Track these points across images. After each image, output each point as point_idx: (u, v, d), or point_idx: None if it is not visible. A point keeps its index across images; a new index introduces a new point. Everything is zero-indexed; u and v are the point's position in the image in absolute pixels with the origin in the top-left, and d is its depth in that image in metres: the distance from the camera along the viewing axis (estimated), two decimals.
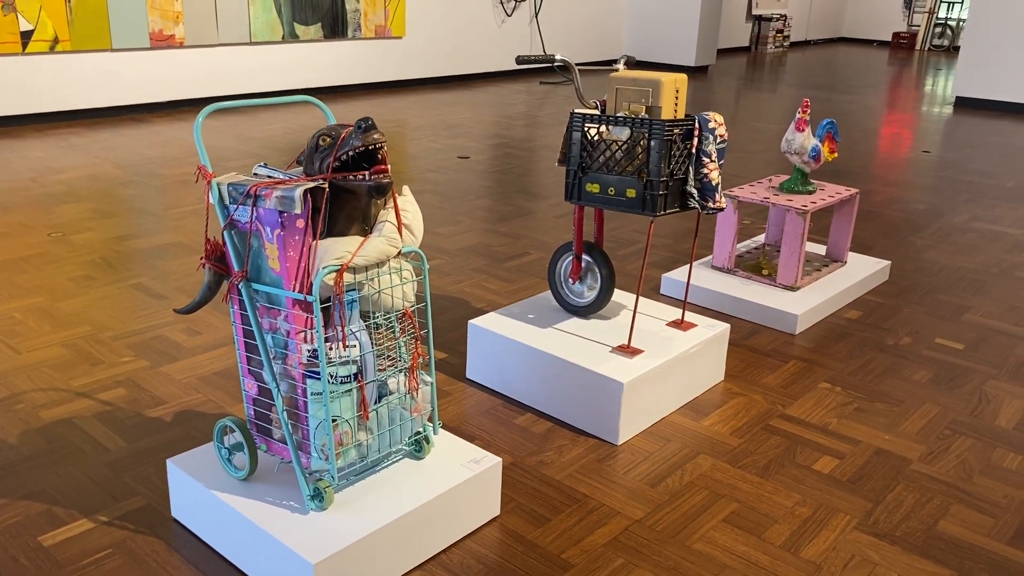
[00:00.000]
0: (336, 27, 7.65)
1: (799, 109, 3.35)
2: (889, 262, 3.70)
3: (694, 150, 2.40)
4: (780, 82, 9.99)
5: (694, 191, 2.41)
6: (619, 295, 2.91)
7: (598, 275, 2.65)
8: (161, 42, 6.55)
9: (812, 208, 3.24)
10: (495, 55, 9.19)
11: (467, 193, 4.81)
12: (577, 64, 10.27)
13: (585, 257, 2.67)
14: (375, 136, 1.67)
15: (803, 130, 3.35)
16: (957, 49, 14.57)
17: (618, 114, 2.45)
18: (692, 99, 8.45)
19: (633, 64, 2.57)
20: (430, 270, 3.61)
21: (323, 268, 1.67)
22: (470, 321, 2.67)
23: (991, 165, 6.07)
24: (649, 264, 3.78)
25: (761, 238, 3.90)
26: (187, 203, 4.43)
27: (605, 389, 2.35)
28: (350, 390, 1.76)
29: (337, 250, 1.69)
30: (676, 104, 2.45)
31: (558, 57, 2.46)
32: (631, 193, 2.39)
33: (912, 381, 2.81)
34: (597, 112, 2.54)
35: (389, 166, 1.73)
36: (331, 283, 1.68)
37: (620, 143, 2.38)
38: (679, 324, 2.69)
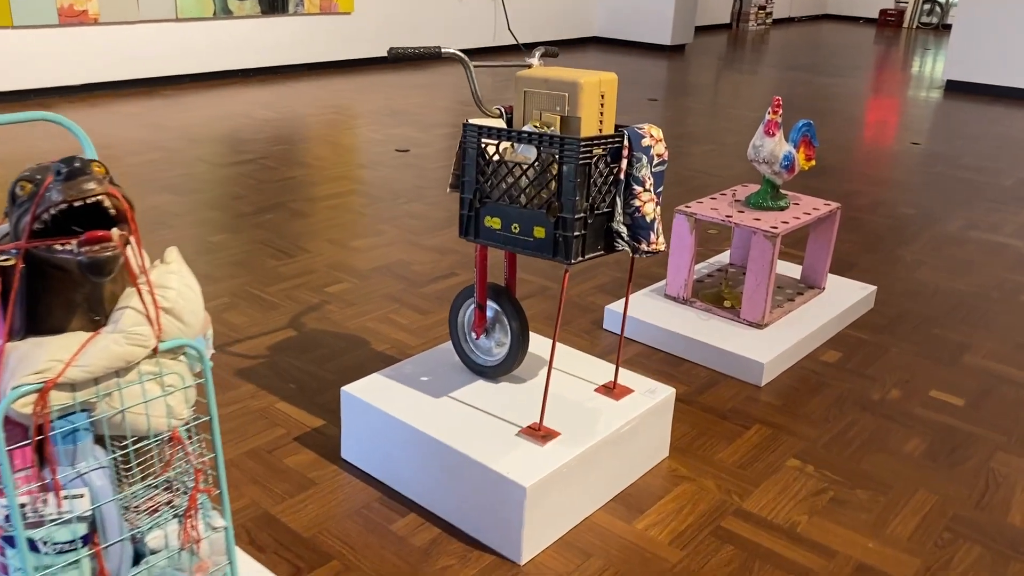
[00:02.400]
0: (275, 1, 6.98)
1: (769, 109, 2.77)
2: (875, 288, 3.14)
3: (622, 175, 1.82)
4: (761, 63, 9.40)
5: (622, 229, 1.83)
6: (543, 344, 2.35)
7: (508, 328, 2.08)
8: (72, 18, 5.88)
9: (783, 230, 2.68)
10: (453, 33, 8.54)
11: (398, 196, 4.21)
12: (530, 44, 9.65)
13: (492, 305, 2.10)
14: (86, 186, 1.09)
15: (773, 135, 2.77)
16: (947, 27, 14.00)
17: (524, 127, 1.87)
18: (667, 82, 7.85)
19: (555, 56, 1.95)
20: (328, 303, 3.03)
21: (13, 389, 1.09)
22: (344, 388, 2.10)
23: (986, 159, 5.52)
24: (592, 289, 3.21)
25: (724, 257, 3.33)
26: None
27: (504, 493, 1.79)
28: (76, 561, 1.18)
29: (39, 358, 1.11)
30: (602, 114, 1.87)
31: (447, 50, 1.86)
32: (539, 232, 1.81)
33: (902, 455, 2.26)
34: (499, 123, 1.95)
35: (129, 227, 1.14)
36: (26, 410, 1.10)
37: (526, 166, 1.80)
38: (611, 390, 2.12)
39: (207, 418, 1.35)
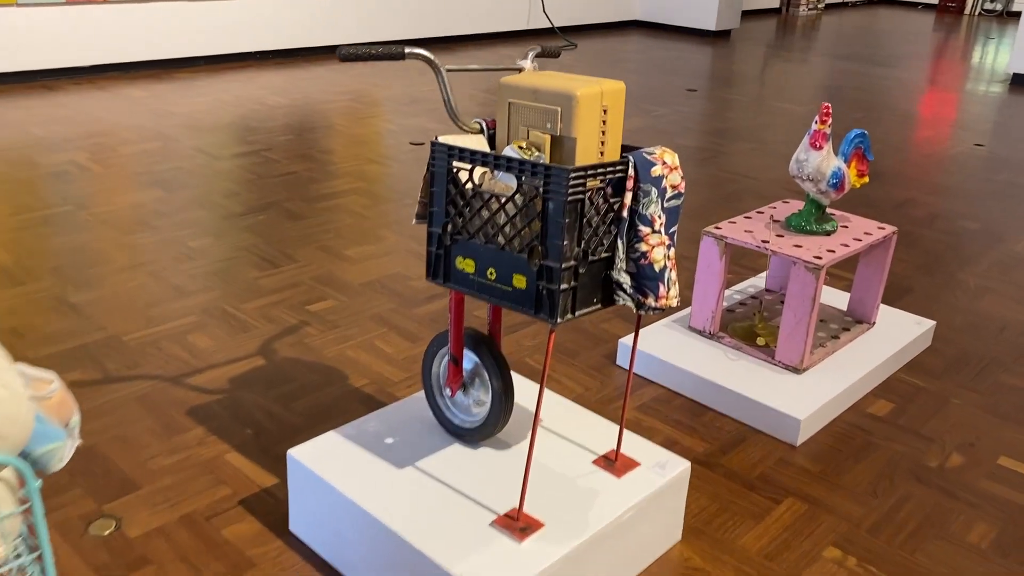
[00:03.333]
0: None
1: (815, 119, 2.36)
2: (932, 323, 2.73)
3: (625, 212, 1.45)
4: (811, 51, 8.87)
5: (624, 279, 1.46)
6: (538, 395, 1.99)
7: (489, 386, 1.72)
8: None
9: (829, 261, 2.28)
10: (484, 15, 8.15)
11: (404, 196, 3.87)
12: (567, 28, 9.24)
13: (470, 356, 1.74)
14: None
15: (821, 147, 2.37)
16: (1013, 15, 13.24)
17: (507, 148, 1.50)
18: (709, 70, 7.39)
19: (555, 56, 1.57)
20: (308, 325, 2.70)
21: None
22: (290, 452, 1.76)
23: None
24: (608, 315, 2.84)
25: (760, 280, 2.93)
26: (45, 206, 3.53)
27: None
28: None
29: None
30: (603, 134, 1.50)
31: (412, 50, 1.50)
32: (519, 281, 1.45)
33: (965, 546, 1.87)
34: (478, 141, 1.59)
35: None
36: None
37: (506, 198, 1.44)
38: (612, 463, 1.76)
39: (37, 553, 1.02)
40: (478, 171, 1.50)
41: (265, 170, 4.11)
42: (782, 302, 2.76)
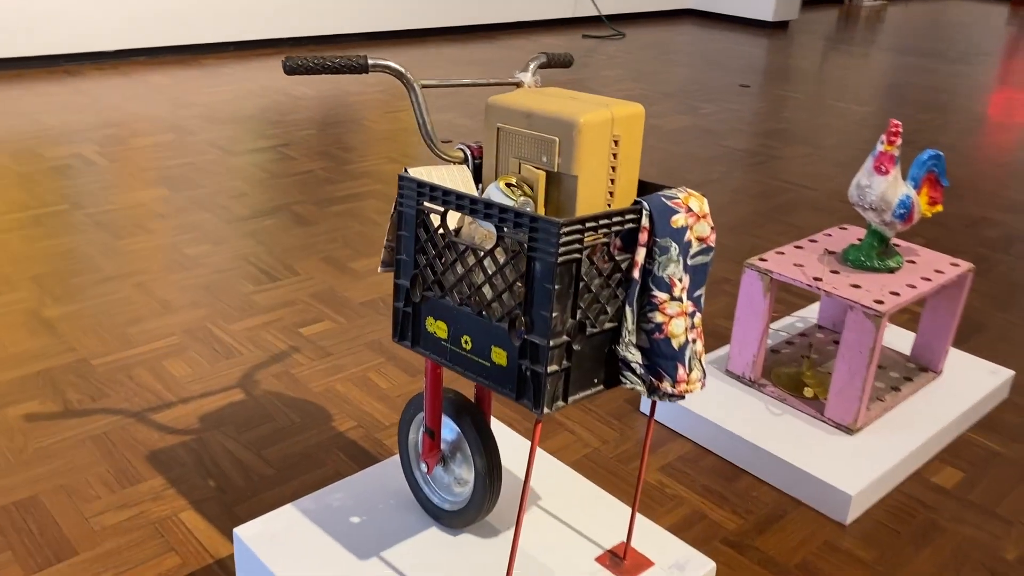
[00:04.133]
0: None
1: (882, 138, 2.01)
2: (1011, 373, 2.37)
3: (637, 273, 1.14)
4: (875, 44, 8.37)
5: (632, 355, 1.16)
6: (544, 463, 1.69)
7: (472, 463, 1.43)
8: None
9: (892, 306, 1.94)
10: (527, 1, 7.81)
11: None
12: (615, 16, 8.87)
13: (450, 425, 1.45)
14: None
15: (887, 172, 2.02)
16: None
17: (492, 185, 1.20)
18: (764, 65, 6.96)
19: (566, 66, 1.25)
20: (298, 351, 2.43)
21: None
22: (236, 530, 1.49)
23: None
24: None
25: (811, 313, 2.59)
26: (40, 204, 3.32)
27: None
28: None
29: None
30: (613, 170, 1.19)
31: (377, 62, 1.21)
32: (499, 356, 1.15)
33: None
34: (457, 174, 1.29)
35: None
36: None
37: (484, 252, 1.14)
38: (619, 561, 1.46)
39: None
40: (454, 214, 1.20)
41: (279, 168, 3.85)
42: (836, 342, 2.42)
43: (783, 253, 2.20)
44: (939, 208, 2.16)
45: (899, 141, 1.99)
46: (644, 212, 1.12)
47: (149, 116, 4.51)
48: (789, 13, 8.98)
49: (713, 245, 1.18)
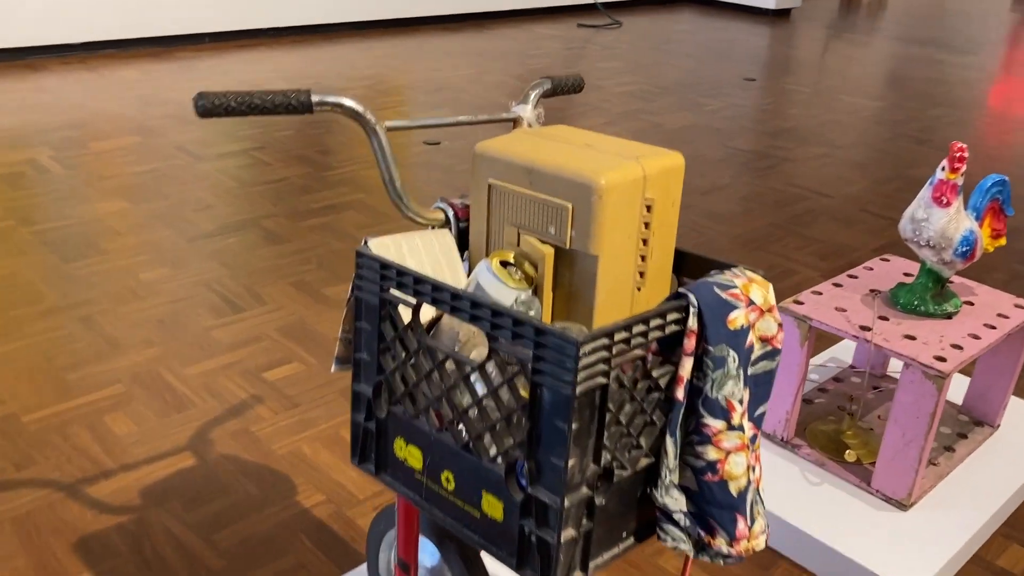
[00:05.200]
0: None
1: (943, 164, 1.70)
2: None
3: (681, 393, 0.83)
4: (879, 33, 8.05)
5: (675, 502, 0.86)
6: None
7: None
8: None
9: (956, 364, 1.64)
10: None
11: None
12: (611, 4, 8.55)
13: (430, 549, 1.15)
14: None
15: (949, 204, 1.71)
16: None
17: (481, 266, 0.89)
18: (767, 55, 6.64)
19: (576, 91, 0.91)
20: (261, 402, 2.12)
21: None
22: None
23: None
24: None
25: (843, 353, 2.29)
26: None
27: None
28: None
29: None
30: (644, 243, 0.88)
31: (321, 98, 0.90)
32: (492, 507, 0.84)
33: None
34: (436, 242, 0.98)
35: None
36: None
37: (472, 367, 0.83)
38: None
39: None
40: (428, 309, 0.90)
41: (250, 175, 3.53)
42: (876, 388, 2.12)
43: (820, 293, 1.90)
44: (1002, 242, 1.86)
45: (964, 168, 1.69)
46: (692, 311, 0.82)
47: (114, 115, 4.17)
48: (792, 1, 8.65)
49: (780, 347, 0.88)
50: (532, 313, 0.84)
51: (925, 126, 4.89)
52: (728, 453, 0.84)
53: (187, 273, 2.69)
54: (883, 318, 1.80)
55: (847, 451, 1.86)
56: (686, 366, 0.83)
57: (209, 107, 0.86)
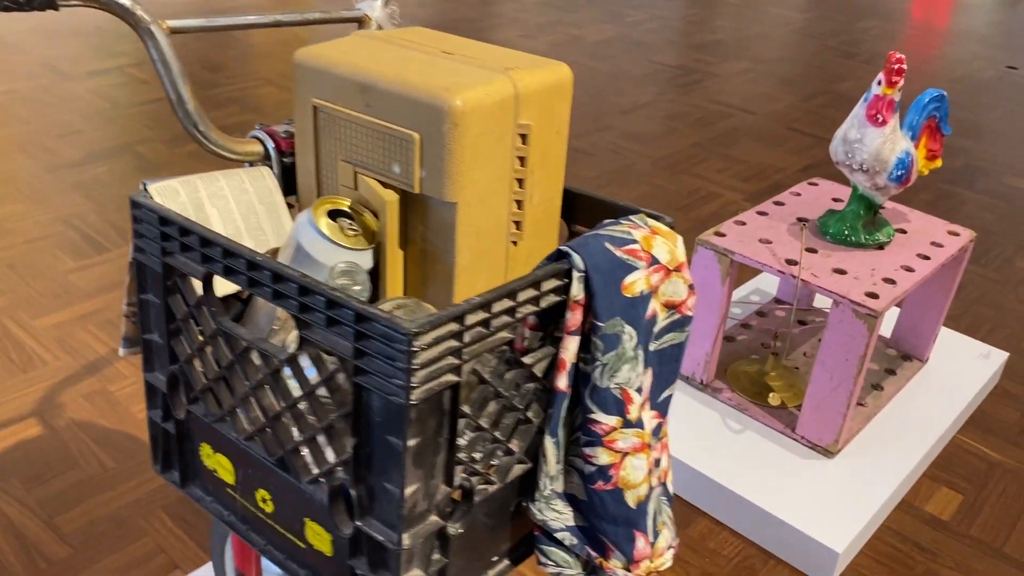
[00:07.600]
0: None
1: (879, 78, 1.52)
2: (1005, 355, 1.98)
3: (562, 382, 0.64)
4: None
5: (557, 517, 0.67)
6: None
7: None
8: None
9: (889, 300, 1.49)
10: None
11: None
12: None
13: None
14: None
15: (885, 123, 1.54)
16: None
17: (302, 217, 0.67)
18: None
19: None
20: (118, 360, 1.86)
21: None
22: None
23: None
24: None
25: (767, 285, 2.14)
26: None
27: None
28: None
29: None
30: (520, 185, 0.67)
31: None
32: (317, 539, 0.64)
33: None
34: (240, 190, 0.75)
35: None
36: None
37: (281, 356, 0.62)
38: None
39: None
40: (224, 283, 0.67)
41: (126, 95, 3.18)
42: (801, 323, 1.98)
43: (744, 223, 1.72)
44: (938, 163, 1.70)
45: (902, 82, 1.51)
46: (576, 275, 0.61)
47: None
48: None
49: (692, 314, 0.69)
50: (357, 287, 0.63)
51: (853, 39, 4.73)
52: (624, 455, 0.65)
53: (45, 209, 2.39)
54: (811, 250, 1.64)
55: (771, 394, 1.72)
56: (569, 348, 0.63)
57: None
